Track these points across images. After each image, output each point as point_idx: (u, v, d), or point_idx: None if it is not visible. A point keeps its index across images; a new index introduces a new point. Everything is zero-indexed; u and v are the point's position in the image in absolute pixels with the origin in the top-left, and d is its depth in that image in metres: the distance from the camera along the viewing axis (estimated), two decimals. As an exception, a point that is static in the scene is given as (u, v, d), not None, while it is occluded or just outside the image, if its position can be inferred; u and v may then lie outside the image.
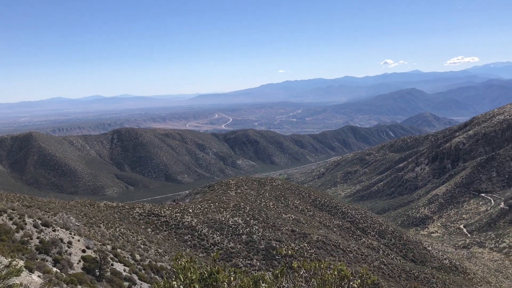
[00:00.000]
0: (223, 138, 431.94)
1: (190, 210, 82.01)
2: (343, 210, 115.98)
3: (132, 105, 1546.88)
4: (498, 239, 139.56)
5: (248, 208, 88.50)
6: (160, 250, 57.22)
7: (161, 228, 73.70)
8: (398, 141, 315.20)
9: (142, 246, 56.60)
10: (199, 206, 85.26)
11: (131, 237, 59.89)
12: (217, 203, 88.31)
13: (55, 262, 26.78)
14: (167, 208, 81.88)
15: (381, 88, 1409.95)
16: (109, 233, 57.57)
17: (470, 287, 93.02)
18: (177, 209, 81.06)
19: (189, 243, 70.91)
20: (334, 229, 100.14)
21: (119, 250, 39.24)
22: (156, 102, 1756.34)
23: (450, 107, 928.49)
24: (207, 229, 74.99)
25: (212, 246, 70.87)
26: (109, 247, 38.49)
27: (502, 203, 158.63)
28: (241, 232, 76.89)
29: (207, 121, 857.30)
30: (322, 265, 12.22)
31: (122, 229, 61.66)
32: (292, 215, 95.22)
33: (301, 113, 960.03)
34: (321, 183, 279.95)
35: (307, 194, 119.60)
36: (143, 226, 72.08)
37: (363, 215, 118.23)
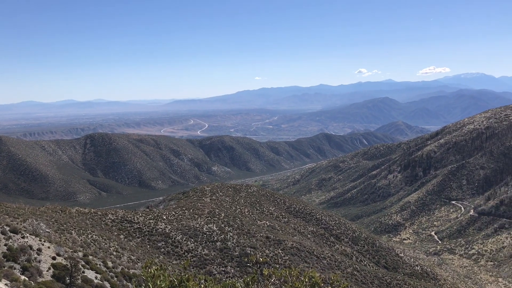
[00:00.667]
0: (199, 144, 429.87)
1: (164, 217, 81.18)
2: (318, 216, 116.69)
3: (106, 110, 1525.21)
4: (467, 246, 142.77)
5: (223, 214, 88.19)
6: (133, 257, 56.39)
7: (134, 234, 72.64)
8: (371, 149, 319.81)
9: (114, 253, 55.65)
10: (173, 213, 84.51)
11: (104, 244, 58.85)
12: (191, 210, 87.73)
13: (24, 270, 26.17)
14: (140, 214, 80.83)
15: (355, 96, 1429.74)
16: (81, 240, 56.46)
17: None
18: (150, 216, 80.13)
19: (162, 250, 70.11)
20: (309, 236, 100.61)
21: (90, 257, 38.52)
22: (130, 107, 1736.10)
23: (422, 116, 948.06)
24: (181, 236, 74.33)
25: (186, 253, 70.24)
26: (80, 254, 37.73)
27: (472, 210, 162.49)
28: (215, 239, 76.47)
29: (183, 127, 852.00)
30: (292, 272, 12.32)
31: (94, 236, 60.53)
32: (267, 222, 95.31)
33: (277, 120, 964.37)
34: (296, 190, 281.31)
35: (282, 201, 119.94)
36: (115, 233, 70.90)
37: (337, 221, 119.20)
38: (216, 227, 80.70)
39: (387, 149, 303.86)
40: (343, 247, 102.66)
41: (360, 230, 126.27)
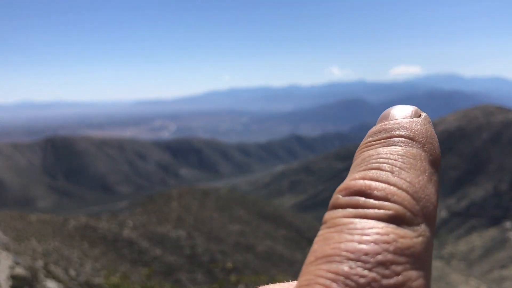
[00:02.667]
0: (165, 146, 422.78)
1: (129, 223, 77.22)
2: (289, 220, 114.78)
3: (67, 111, 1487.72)
4: (440, 247, 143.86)
5: (191, 219, 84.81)
6: (97, 265, 52.54)
7: (98, 242, 68.38)
8: (343, 150, 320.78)
9: (77, 262, 51.88)
10: (139, 218, 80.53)
11: (66, 252, 54.61)
12: (158, 215, 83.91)
13: (-25, 283, 22.08)
14: (104, 220, 76.62)
15: (326, 97, 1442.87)
16: (41, 248, 52.13)
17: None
18: (115, 222, 75.93)
19: (128, 257, 66.34)
20: (280, 240, 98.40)
21: (52, 266, 35.17)
22: (93, 108, 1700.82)
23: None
24: (147, 242, 70.60)
25: (153, 260, 66.67)
26: (41, 263, 34.38)
27: (443, 211, 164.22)
28: (183, 244, 73.17)
29: (148, 129, 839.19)
30: (260, 278, 12.09)
31: (55, 244, 56.11)
32: (237, 226, 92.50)
33: (247, 121, 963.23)
34: (267, 193, 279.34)
35: (252, 204, 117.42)
36: (78, 240, 66.54)
37: (309, 224, 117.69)
38: (184, 233, 77.42)
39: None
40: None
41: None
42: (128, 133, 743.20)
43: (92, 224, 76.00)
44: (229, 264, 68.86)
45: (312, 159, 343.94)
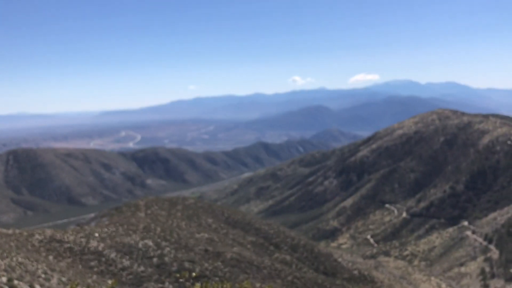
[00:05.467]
0: (131, 157, 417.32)
1: (96, 234, 76.76)
2: (257, 226, 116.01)
3: (30, 123, 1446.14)
4: (402, 247, 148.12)
5: (159, 229, 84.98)
6: (63, 279, 52.48)
7: (64, 254, 67.90)
8: (307, 156, 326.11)
9: (43, 276, 51.60)
10: (106, 230, 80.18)
11: (30, 266, 54.33)
12: (125, 226, 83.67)
13: None
14: (70, 233, 75.90)
15: (290, 104, 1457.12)
16: (5, 264, 51.66)
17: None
18: (81, 234, 75.42)
19: (95, 269, 66.11)
20: (248, 246, 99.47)
21: (16, 281, 35.44)
22: (57, 120, 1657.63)
23: (355, 122, 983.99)
24: (115, 253, 70.51)
25: (121, 271, 66.75)
26: (4, 279, 34.57)
27: (404, 212, 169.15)
28: (152, 254, 73.39)
29: (113, 139, 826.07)
30: (224, 285, 11.84)
31: (19, 258, 55.68)
32: (206, 234, 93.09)
33: (213, 129, 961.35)
34: (235, 200, 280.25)
35: (220, 212, 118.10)
36: (44, 254, 65.89)
37: (276, 230, 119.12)
38: (152, 243, 77.55)
39: (323, 156, 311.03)
40: (282, 255, 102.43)
41: (299, 237, 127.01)
42: (93, 144, 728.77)
43: (58, 237, 75.24)
44: (196, 272, 69.84)
45: (278, 165, 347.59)
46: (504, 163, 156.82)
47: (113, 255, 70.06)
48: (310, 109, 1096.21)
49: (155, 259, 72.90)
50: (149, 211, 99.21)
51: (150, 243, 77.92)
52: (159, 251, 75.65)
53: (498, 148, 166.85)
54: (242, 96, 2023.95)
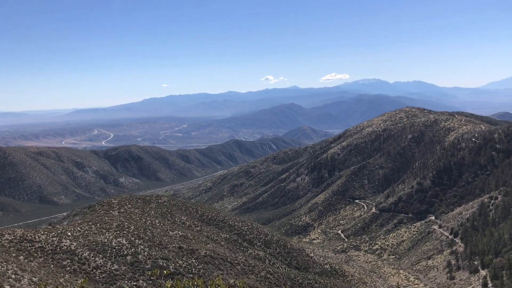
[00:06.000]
0: (104, 155, 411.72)
1: (69, 233, 76.65)
2: (230, 223, 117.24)
3: (0, 122, 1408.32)
4: (371, 242, 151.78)
5: (132, 227, 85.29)
6: (34, 279, 52.75)
7: (36, 254, 67.63)
8: (280, 154, 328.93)
9: (13, 276, 51.71)
10: (79, 229, 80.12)
11: (0, 267, 54.31)
12: (98, 224, 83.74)
13: None
14: (42, 232, 75.52)
15: (263, 103, 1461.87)
16: (-27, 266, 51.69)
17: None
18: (54, 233, 75.18)
19: (68, 268, 66.10)
20: (222, 243, 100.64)
21: None
22: (27, 118, 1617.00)
23: (326, 120, 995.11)
24: (88, 252, 70.65)
25: (94, 270, 66.99)
26: None
27: (374, 208, 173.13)
28: (125, 253, 73.75)
29: (86, 138, 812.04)
30: (195, 282, 12.18)
31: (-12, 260, 55.60)
32: (179, 232, 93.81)
33: (186, 127, 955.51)
34: (208, 198, 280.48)
35: (194, 210, 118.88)
36: (14, 254, 65.52)
37: (250, 226, 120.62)
38: (126, 241, 77.85)
39: (295, 153, 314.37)
40: (256, 251, 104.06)
41: (272, 233, 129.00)
42: (65, 143, 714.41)
43: (29, 237, 74.80)
44: (167, 270, 70.58)
45: (251, 163, 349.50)
46: (468, 159, 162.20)
47: (86, 254, 70.20)
48: (282, 107, 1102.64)
49: (128, 257, 73.30)
50: (122, 210, 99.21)
51: (123, 241, 78.21)
52: (132, 249, 76.03)
53: (463, 145, 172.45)
54: (215, 94, 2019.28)
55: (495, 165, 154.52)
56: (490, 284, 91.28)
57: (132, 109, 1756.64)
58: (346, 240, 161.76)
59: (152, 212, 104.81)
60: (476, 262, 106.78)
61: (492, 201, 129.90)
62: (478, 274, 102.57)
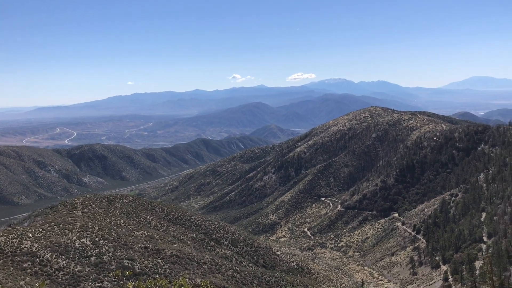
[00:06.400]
0: (67, 154, 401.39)
1: (30, 235, 74.44)
2: (197, 222, 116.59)
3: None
4: (337, 239, 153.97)
5: (96, 227, 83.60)
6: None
7: (-6, 257, 65.46)
8: (247, 152, 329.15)
9: (-31, 281, 49.78)
10: (40, 230, 77.91)
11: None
12: (61, 225, 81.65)
13: None
14: (1, 234, 73.11)
15: (230, 101, 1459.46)
16: None
17: (315, 286, 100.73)
18: (13, 235, 72.83)
19: (29, 271, 64.28)
20: (189, 242, 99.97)
21: None
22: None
23: (292, 119, 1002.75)
24: (50, 253, 68.87)
25: (57, 272, 65.41)
26: None
27: (339, 205, 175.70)
28: (89, 253, 72.30)
29: (48, 136, 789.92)
30: (158, 283, 11.90)
31: None
32: (145, 232, 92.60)
33: (152, 126, 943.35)
34: (175, 197, 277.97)
35: (160, 209, 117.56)
36: (-30, 258, 63.30)
37: (217, 225, 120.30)
38: (90, 241, 76.30)
39: (262, 152, 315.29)
40: (223, 250, 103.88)
41: (239, 232, 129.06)
42: (26, 141, 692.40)
43: (-13, 239, 72.17)
44: (129, 271, 69.55)
45: (218, 161, 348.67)
46: (430, 157, 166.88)
47: (48, 255, 68.40)
48: (250, 106, 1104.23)
49: (93, 258, 71.87)
50: (86, 210, 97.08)
51: (87, 242, 76.61)
52: (97, 250, 74.57)
53: (425, 143, 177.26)
54: (182, 93, 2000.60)
55: (455, 163, 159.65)
56: (450, 279, 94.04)
57: (96, 107, 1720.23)
58: (312, 237, 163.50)
59: (117, 212, 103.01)
60: (437, 258, 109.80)
61: (453, 198, 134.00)
62: (439, 269, 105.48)
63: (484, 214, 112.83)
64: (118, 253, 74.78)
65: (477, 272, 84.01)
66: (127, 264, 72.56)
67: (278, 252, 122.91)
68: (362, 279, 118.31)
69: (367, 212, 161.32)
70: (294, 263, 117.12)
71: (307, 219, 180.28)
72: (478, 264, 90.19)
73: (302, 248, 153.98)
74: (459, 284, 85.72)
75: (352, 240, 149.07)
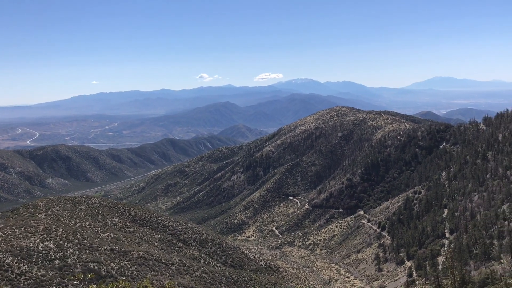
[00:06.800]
0: (29, 155, 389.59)
1: (-11, 239, 71.97)
2: (164, 223, 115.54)
3: None
4: (304, 237, 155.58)
5: (60, 230, 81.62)
6: None
7: (-50, 263, 63.04)
8: (215, 152, 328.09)
9: None
10: (1, 233, 75.52)
11: None
12: (23, 228, 79.29)
13: None
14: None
15: (197, 101, 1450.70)
16: None
17: (283, 284, 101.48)
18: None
19: (-12, 276, 62.07)
20: (156, 244, 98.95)
21: None
22: None
23: (260, 119, 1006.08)
24: (11, 258, 66.79)
25: (18, 277, 63.46)
26: None
27: (307, 204, 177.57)
28: (53, 257, 70.52)
29: (9, 137, 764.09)
30: (120, 285, 11.70)
31: None
32: (111, 234, 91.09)
33: (118, 126, 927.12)
34: (142, 198, 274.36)
35: (127, 211, 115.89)
36: None
37: (184, 226, 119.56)
38: (54, 245, 74.41)
39: (230, 152, 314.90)
40: (191, 251, 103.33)
41: (207, 232, 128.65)
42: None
43: None
44: (91, 274, 68.53)
45: (186, 161, 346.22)
46: (394, 156, 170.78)
47: (9, 260, 66.38)
48: (217, 106, 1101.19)
49: (57, 262, 70.12)
50: (49, 212, 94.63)
51: (51, 245, 74.69)
52: (61, 253, 72.82)
53: (389, 142, 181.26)
54: (148, 92, 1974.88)
55: (418, 161, 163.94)
56: (414, 274, 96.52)
57: (59, 107, 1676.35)
58: (280, 236, 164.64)
59: (82, 214, 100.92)
60: (402, 254, 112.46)
61: (416, 195, 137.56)
62: (404, 265, 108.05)
63: (446, 211, 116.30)
64: (83, 256, 73.29)
65: (440, 267, 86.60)
66: (92, 266, 71.19)
67: (247, 252, 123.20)
68: (329, 276, 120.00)
69: (334, 210, 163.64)
70: (263, 262, 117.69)
71: (275, 218, 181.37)
72: (440, 259, 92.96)
73: (270, 247, 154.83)
74: (423, 279, 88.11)
75: (319, 238, 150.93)
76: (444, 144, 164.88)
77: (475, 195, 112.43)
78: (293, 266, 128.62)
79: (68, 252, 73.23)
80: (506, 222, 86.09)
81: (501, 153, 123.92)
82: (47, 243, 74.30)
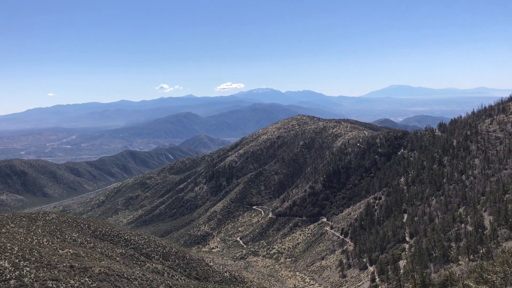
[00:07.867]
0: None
1: None
2: (126, 237, 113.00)
3: None
4: (269, 246, 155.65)
5: (16, 248, 78.33)
6: None
7: None
8: (177, 163, 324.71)
9: None
10: (-49, 254, 71.65)
11: None
12: (-25, 248, 75.55)
13: None
14: None
15: (158, 112, 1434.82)
16: None
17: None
18: None
19: None
20: (118, 258, 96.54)
21: None
22: None
23: (222, 129, 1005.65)
24: (-38, 280, 63.43)
25: (-29, 299, 60.34)
26: None
27: (270, 213, 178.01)
28: (8, 277, 67.48)
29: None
30: None
31: None
32: (71, 250, 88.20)
33: (75, 139, 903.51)
34: (102, 212, 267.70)
35: (86, 225, 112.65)
36: None
37: (147, 240, 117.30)
38: (9, 264, 71.29)
39: (193, 162, 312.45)
40: (154, 264, 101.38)
41: (170, 245, 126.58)
42: None
43: None
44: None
45: (147, 174, 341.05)
46: (355, 163, 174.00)
47: (-40, 281, 63.12)
48: (178, 116, 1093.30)
49: (12, 281, 67.18)
50: (4, 230, 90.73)
51: (5, 264, 71.60)
52: (17, 272, 69.87)
53: (349, 149, 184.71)
54: (107, 104, 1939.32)
55: (378, 167, 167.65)
56: (377, 279, 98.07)
57: (14, 120, 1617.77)
58: (245, 246, 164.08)
59: (39, 230, 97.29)
60: (364, 260, 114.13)
61: (377, 201, 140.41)
62: (367, 270, 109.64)
63: (406, 215, 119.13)
64: (41, 274, 70.53)
65: (401, 271, 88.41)
66: (51, 285, 68.62)
67: (211, 263, 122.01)
68: (294, 285, 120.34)
69: (297, 218, 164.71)
70: (227, 273, 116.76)
71: (240, 228, 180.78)
72: (402, 263, 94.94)
73: (235, 257, 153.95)
74: (386, 284, 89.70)
75: (284, 246, 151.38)
76: (402, 150, 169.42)
77: (433, 199, 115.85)
78: (258, 276, 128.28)
79: (25, 271, 70.35)
80: (462, 225, 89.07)
81: (456, 158, 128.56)
82: (1, 262, 71.16)
